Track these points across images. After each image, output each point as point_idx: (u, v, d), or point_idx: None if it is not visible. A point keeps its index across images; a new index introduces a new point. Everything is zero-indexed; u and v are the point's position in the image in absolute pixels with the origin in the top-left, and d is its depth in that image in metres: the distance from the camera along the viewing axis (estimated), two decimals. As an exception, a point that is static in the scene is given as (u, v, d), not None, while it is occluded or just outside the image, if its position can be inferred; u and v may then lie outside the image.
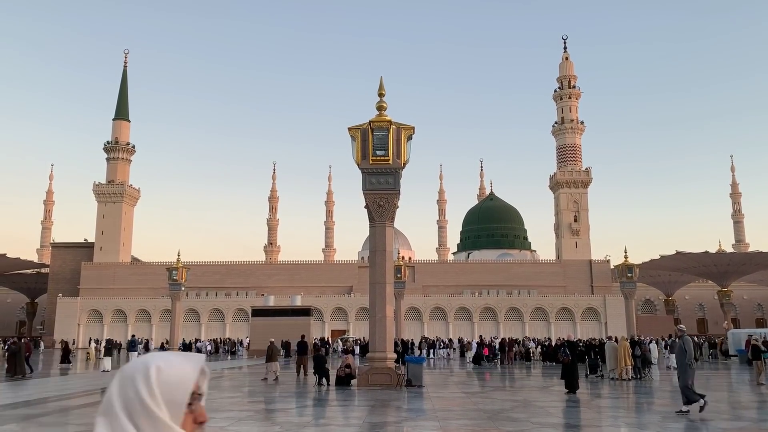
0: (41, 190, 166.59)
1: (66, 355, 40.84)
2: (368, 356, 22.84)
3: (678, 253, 76.74)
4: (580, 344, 38.75)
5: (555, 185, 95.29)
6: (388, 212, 22.31)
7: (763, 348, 23.96)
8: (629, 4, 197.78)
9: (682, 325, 17.17)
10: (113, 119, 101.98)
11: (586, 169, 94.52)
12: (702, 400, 14.01)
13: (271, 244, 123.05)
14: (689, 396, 14.15)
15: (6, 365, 29.56)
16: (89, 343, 58.98)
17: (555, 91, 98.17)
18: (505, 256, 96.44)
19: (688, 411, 14.16)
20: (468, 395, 19.27)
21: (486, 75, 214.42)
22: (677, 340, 15.50)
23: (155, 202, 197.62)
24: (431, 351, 50.06)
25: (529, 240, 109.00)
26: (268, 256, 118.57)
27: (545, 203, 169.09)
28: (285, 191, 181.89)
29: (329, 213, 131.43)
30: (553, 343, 42.98)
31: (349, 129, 22.41)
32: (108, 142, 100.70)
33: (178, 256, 53.36)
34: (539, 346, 46.16)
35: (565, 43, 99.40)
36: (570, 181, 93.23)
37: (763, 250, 78.08)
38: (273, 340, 27.70)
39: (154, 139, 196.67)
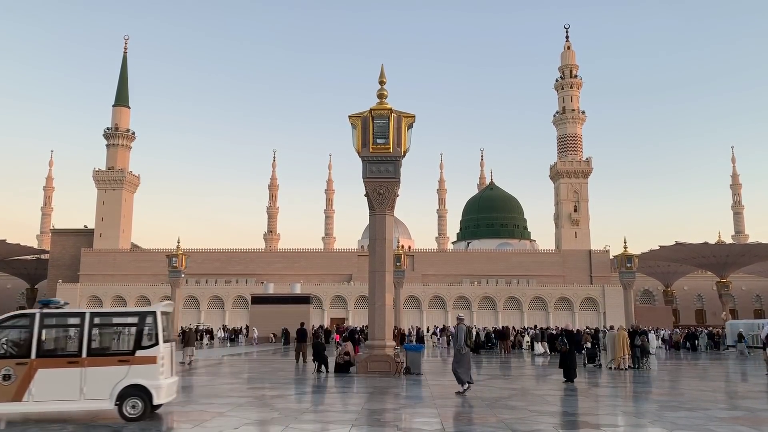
0: (41, 176, 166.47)
1: None
2: (367, 344, 22.93)
3: (677, 243, 76.78)
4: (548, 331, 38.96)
5: (555, 175, 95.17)
6: (388, 201, 22.30)
7: None
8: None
9: (461, 314, 19.25)
10: (113, 105, 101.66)
11: (587, 159, 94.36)
12: (467, 385, 15.85)
13: (271, 231, 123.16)
14: (459, 377, 15.92)
15: None
16: None
17: (556, 80, 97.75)
18: (504, 246, 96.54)
19: (463, 391, 15.58)
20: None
21: (487, 64, 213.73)
22: (455, 327, 17.17)
23: (155, 189, 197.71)
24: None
25: (529, 230, 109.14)
26: (268, 244, 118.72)
27: (545, 193, 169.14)
28: (285, 179, 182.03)
29: (329, 201, 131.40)
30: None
31: (350, 117, 22.36)
32: (108, 128, 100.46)
33: (178, 243, 53.47)
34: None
35: (567, 32, 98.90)
36: (570, 171, 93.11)
37: (763, 242, 78.15)
38: (191, 326, 28.11)
39: (154, 126, 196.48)
